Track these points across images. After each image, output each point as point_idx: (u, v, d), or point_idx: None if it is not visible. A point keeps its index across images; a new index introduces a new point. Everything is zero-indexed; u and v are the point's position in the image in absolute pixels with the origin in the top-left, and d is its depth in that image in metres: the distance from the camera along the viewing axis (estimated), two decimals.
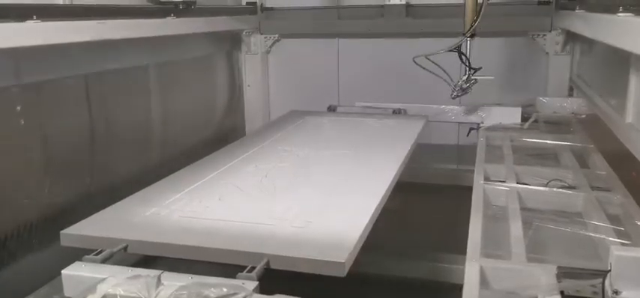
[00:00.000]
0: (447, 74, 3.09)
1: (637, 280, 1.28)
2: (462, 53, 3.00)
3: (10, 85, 2.23)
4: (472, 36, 2.94)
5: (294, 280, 1.61)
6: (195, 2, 3.18)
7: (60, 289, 1.61)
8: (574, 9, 3.03)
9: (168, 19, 3.04)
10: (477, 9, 2.88)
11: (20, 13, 2.07)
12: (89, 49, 2.51)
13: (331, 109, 3.87)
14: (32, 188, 2.33)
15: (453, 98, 3.16)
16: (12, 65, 2.23)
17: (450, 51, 2.99)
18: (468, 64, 3.02)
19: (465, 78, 3.08)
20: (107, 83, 2.78)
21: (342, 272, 1.56)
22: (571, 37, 3.64)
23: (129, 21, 2.68)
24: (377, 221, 1.93)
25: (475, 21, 2.86)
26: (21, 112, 2.27)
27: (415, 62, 3.07)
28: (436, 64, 3.06)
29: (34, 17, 2.12)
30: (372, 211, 1.92)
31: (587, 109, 3.20)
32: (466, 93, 3.12)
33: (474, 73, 3.05)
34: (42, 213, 2.34)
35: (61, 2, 2.48)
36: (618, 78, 2.30)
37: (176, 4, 3.07)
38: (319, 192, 2.11)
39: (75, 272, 1.54)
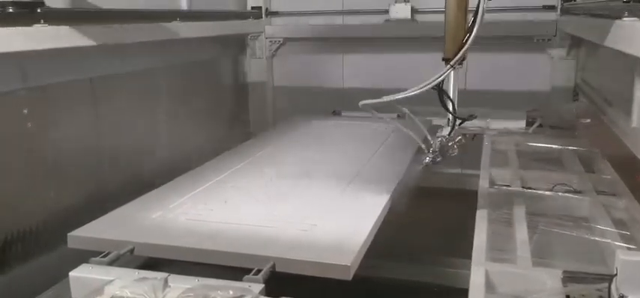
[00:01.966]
0: (418, 122, 2.13)
1: None
2: (445, 92, 1.92)
3: (16, 89, 2.24)
4: (461, 63, 1.91)
5: (300, 283, 1.62)
6: (42, 3, 2.18)
7: (65, 291, 1.62)
8: (579, 14, 3.03)
9: (174, 23, 3.06)
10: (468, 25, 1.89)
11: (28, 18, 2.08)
12: (95, 52, 2.53)
13: (336, 113, 3.88)
14: (38, 190, 2.34)
15: (425, 166, 2.05)
16: (19, 69, 2.24)
17: (425, 89, 1.93)
18: (453, 113, 1.93)
19: (447, 133, 1.98)
20: (112, 86, 2.79)
21: (348, 276, 1.56)
22: (576, 41, 3.64)
23: (135, 25, 2.69)
24: (382, 225, 1.94)
25: (466, 41, 1.85)
26: (27, 115, 2.28)
27: (362, 107, 1.99)
28: (402, 107, 2.04)
29: (42, 21, 2.13)
30: (377, 215, 1.92)
31: (592, 114, 3.20)
32: (448, 156, 2.03)
33: (462, 123, 1.99)
34: (48, 216, 2.35)
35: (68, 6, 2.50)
36: (624, 82, 2.30)
37: (3, 5, 2.02)
38: (324, 196, 2.12)
39: (82, 274, 1.55)
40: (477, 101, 3.79)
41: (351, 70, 4.27)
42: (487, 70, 3.94)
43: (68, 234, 1.80)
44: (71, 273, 1.56)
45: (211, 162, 2.65)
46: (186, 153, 3.33)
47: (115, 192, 2.53)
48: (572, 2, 3.60)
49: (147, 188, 2.25)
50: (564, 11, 3.64)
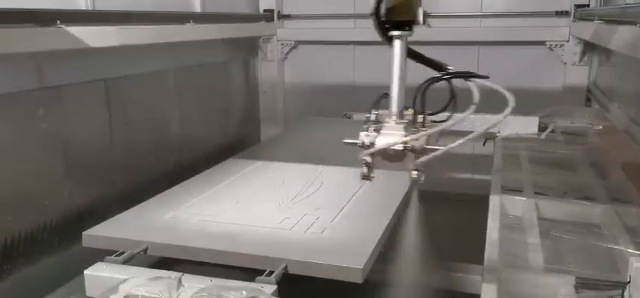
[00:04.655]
0: None
1: None
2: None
3: (33, 88, 2.27)
4: None
5: (311, 285, 1.63)
6: None
7: (77, 289, 1.64)
8: (592, 19, 3.02)
9: (188, 25, 3.08)
10: None
11: (45, 19, 2.11)
12: (110, 53, 2.55)
13: (347, 116, 3.88)
14: (53, 190, 2.36)
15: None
16: (35, 69, 2.27)
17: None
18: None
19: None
20: (127, 87, 2.81)
21: (359, 278, 1.57)
22: (589, 47, 3.62)
23: (149, 27, 2.72)
24: (392, 229, 1.94)
25: None
26: (43, 115, 2.31)
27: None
28: None
29: (58, 22, 2.16)
30: (389, 219, 1.93)
31: (605, 120, 3.18)
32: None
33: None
34: (61, 215, 2.37)
35: (84, 8, 2.53)
36: (637, 88, 2.29)
37: None
38: (335, 199, 2.12)
39: (97, 273, 1.56)
40: (488, 104, 3.80)
41: (362, 72, 4.28)
42: (499, 73, 3.91)
43: (83, 233, 1.82)
44: (86, 271, 1.58)
45: (223, 164, 2.66)
46: (198, 154, 3.36)
47: (129, 192, 2.56)
48: (586, 8, 3.59)
49: (160, 188, 2.27)
50: (577, 17, 3.63)
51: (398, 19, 1.32)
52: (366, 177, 1.37)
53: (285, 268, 1.58)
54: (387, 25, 1.33)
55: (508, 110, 1.31)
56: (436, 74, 1.40)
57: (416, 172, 1.34)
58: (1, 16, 1.93)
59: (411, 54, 1.40)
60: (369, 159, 1.37)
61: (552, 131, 3.21)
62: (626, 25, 2.13)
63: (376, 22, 1.31)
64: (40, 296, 1.82)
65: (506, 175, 2.41)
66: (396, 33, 1.33)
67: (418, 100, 1.35)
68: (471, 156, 3.98)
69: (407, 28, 1.34)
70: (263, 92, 4.42)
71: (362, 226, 1.86)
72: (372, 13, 1.30)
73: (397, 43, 1.35)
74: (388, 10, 1.30)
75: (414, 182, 1.34)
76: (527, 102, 3.73)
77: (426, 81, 1.35)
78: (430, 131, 1.32)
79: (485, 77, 1.38)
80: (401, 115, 1.34)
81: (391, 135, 1.33)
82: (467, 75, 1.37)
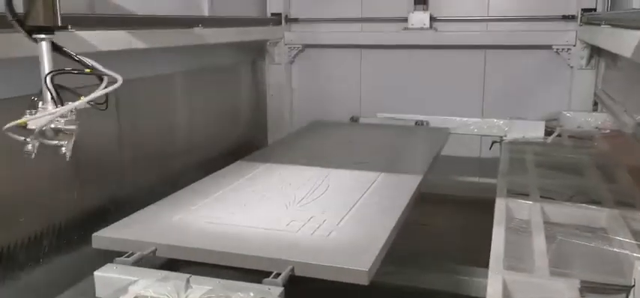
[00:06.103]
0: None
1: None
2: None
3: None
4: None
5: (318, 287, 1.64)
6: None
7: (87, 290, 1.66)
8: (599, 24, 3.02)
9: (196, 29, 3.11)
10: None
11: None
12: (119, 57, 2.57)
13: (353, 120, 3.91)
14: (62, 192, 2.39)
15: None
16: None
17: None
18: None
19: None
20: (136, 91, 2.84)
21: (365, 281, 1.58)
22: (596, 51, 3.62)
23: (158, 31, 2.75)
24: (398, 232, 1.95)
25: None
26: None
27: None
28: None
29: (69, 27, 2.19)
30: (395, 222, 1.94)
31: (612, 124, 3.18)
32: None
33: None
34: (71, 217, 2.40)
35: (94, 12, 2.56)
36: None
37: None
38: (342, 202, 2.14)
39: (107, 274, 1.59)
40: (495, 109, 3.82)
41: (369, 76, 4.30)
42: (506, 77, 3.96)
43: (93, 235, 1.84)
44: (96, 272, 1.60)
45: (230, 167, 2.68)
46: (206, 157, 3.38)
47: (138, 193, 2.58)
48: (593, 12, 3.59)
49: (168, 190, 2.29)
50: (584, 21, 3.63)
51: (35, 24, 1.48)
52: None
53: (292, 270, 1.59)
54: (30, 28, 1.48)
55: (115, 85, 1.59)
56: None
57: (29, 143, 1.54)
58: None
59: (57, 49, 1.58)
60: (12, 134, 1.52)
61: (559, 135, 3.21)
62: (633, 29, 2.13)
63: (17, 24, 1.46)
64: (51, 296, 1.85)
65: (512, 179, 2.42)
66: (39, 36, 1.50)
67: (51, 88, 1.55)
68: (477, 159, 4.00)
69: (49, 32, 1.50)
70: (270, 95, 4.44)
71: (368, 228, 1.88)
72: (10, 18, 1.44)
73: (43, 44, 1.52)
74: (26, 16, 1.46)
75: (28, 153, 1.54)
76: (534, 105, 3.78)
77: (52, 72, 1.54)
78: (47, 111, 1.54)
79: (108, 74, 1.65)
80: (55, 103, 1.57)
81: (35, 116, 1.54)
82: (80, 72, 1.64)
